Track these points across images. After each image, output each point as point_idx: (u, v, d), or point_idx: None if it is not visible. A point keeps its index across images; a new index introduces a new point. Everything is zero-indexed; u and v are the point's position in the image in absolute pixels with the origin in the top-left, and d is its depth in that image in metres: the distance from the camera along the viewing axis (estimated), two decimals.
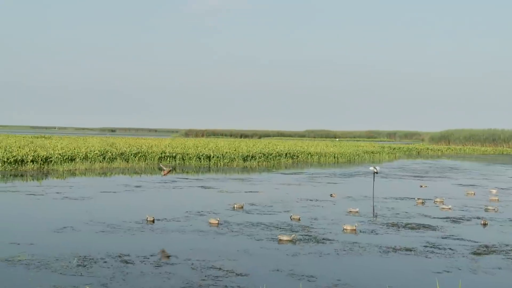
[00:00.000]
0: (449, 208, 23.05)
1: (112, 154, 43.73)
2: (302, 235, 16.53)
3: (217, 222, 18.13)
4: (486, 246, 15.44)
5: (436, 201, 25.35)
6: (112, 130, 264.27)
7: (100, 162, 41.80)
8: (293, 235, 15.74)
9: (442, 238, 16.64)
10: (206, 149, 54.48)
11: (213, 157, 48.19)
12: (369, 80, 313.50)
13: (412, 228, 18.14)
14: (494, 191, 30.15)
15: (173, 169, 25.59)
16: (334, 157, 59.59)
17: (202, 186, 30.30)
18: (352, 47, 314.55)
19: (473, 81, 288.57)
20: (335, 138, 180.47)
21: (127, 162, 43.75)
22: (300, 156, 57.13)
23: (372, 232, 17.40)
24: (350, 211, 21.60)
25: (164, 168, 21.80)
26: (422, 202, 24.89)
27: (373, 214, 21.43)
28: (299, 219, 19.31)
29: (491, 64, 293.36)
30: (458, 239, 16.55)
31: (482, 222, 19.36)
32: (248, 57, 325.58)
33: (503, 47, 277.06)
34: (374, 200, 25.45)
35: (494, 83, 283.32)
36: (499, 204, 25.20)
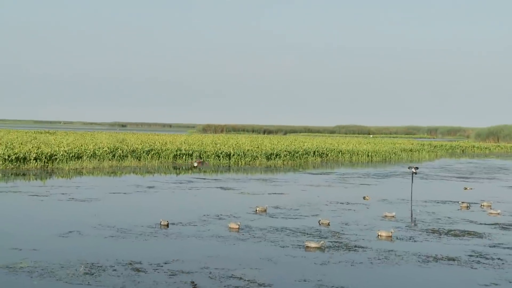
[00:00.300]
0: (498, 213, 22.73)
1: (122, 152, 44.11)
2: (331, 242, 16.46)
3: (237, 226, 18.15)
4: None
5: (483, 205, 25.04)
6: (123, 125, 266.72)
7: (110, 160, 42.20)
8: (321, 242, 15.68)
9: (490, 246, 16.42)
10: (226, 146, 54.57)
11: (234, 155, 48.27)
12: (408, 70, 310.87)
13: (456, 235, 17.94)
14: None
15: (204, 161, 25.44)
16: (368, 156, 59.21)
17: (221, 187, 30.39)
18: (387, 31, 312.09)
19: None
20: (369, 134, 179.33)
21: (139, 160, 44.08)
22: (329, 155, 56.92)
23: (410, 239, 17.25)
24: (386, 216, 21.45)
25: (196, 163, 21.92)
26: (467, 206, 24.60)
27: (411, 219, 21.23)
28: (328, 224, 19.24)
29: None
30: (508, 247, 16.31)
31: None
32: (272, 45, 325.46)
33: None
34: (413, 203, 25.22)
35: None
36: None
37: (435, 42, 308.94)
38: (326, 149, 58.62)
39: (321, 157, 55.92)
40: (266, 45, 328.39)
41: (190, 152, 47.63)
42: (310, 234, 17.60)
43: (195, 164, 21.25)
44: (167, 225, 18.27)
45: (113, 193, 26.65)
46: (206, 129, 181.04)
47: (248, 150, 50.89)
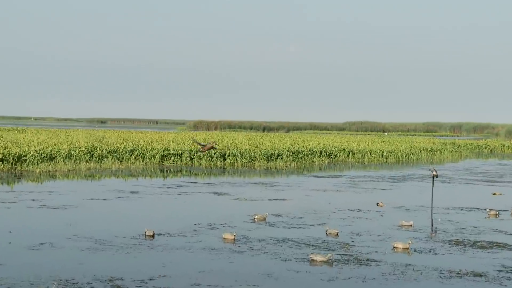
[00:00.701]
0: None
1: (101, 152, 44.12)
2: (340, 254, 16.47)
3: (233, 237, 18.16)
4: None
5: None
6: (102, 122, 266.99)
7: (87, 161, 42.20)
8: (329, 255, 15.69)
9: None
10: (220, 145, 54.55)
11: (229, 155, 48.31)
12: (428, 59, 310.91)
13: (482, 247, 17.95)
14: None
15: (214, 146, 24.61)
16: (382, 156, 59.24)
17: (214, 192, 30.41)
18: (405, 16, 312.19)
19: None
20: (384, 132, 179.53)
21: (121, 161, 44.08)
22: (338, 155, 56.96)
23: (430, 251, 17.26)
24: (402, 225, 21.47)
25: (202, 144, 20.98)
26: (496, 214, 24.62)
27: (432, 228, 21.26)
28: (336, 235, 19.25)
29: None
30: None
31: None
32: (269, 32, 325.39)
33: None
34: (433, 211, 25.24)
35: None
36: None
37: (459, 28, 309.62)
38: (335, 148, 58.66)
39: (329, 158, 55.95)
40: (267, 31, 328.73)
41: (179, 152, 47.65)
42: (316, 245, 17.60)
43: (202, 149, 20.21)
44: (153, 236, 18.26)
45: (91, 199, 26.64)
46: (197, 126, 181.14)
47: (245, 149, 50.93)
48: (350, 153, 58.16)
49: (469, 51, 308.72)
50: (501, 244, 18.45)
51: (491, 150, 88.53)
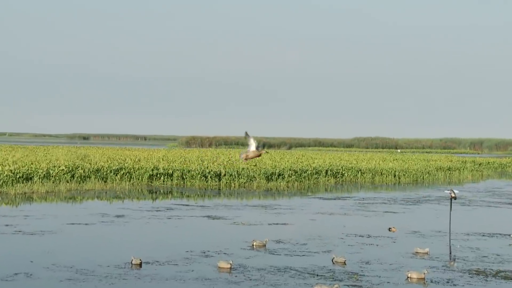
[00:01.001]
0: None
1: (84, 171, 44.12)
2: (348, 285, 16.45)
3: (229, 266, 18.15)
4: None
5: None
6: (85, 138, 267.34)
7: (67, 182, 42.19)
8: (335, 286, 15.66)
9: None
10: (215, 164, 54.59)
11: (225, 175, 48.33)
12: (446, 67, 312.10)
13: (507, 278, 17.95)
14: None
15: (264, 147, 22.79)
16: (395, 176, 59.26)
17: (208, 216, 30.39)
18: (419, 22, 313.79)
19: None
20: (396, 149, 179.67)
21: (105, 182, 44.06)
22: (346, 174, 57.00)
23: (448, 282, 17.25)
24: (417, 252, 21.47)
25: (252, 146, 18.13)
26: None
27: (450, 256, 21.25)
28: (344, 263, 19.24)
29: None
30: None
31: None
32: (273, 38, 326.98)
33: None
34: (451, 237, 25.23)
35: None
36: None
37: (482, 34, 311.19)
38: (342, 167, 58.69)
39: (335, 177, 55.97)
40: (266, 38, 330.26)
41: (170, 171, 47.65)
42: (321, 275, 17.58)
43: (245, 155, 18.41)
44: (140, 265, 18.24)
45: (72, 224, 26.61)
46: (190, 142, 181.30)
47: (243, 168, 50.95)
48: (359, 172, 58.18)
49: (490, 59, 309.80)
50: None
51: None
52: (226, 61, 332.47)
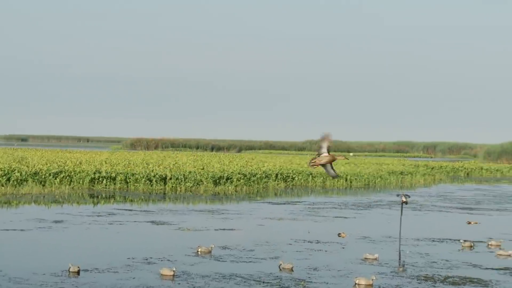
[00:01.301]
0: (509, 255, 23.24)
1: (20, 174, 43.49)
2: None
3: (172, 273, 18.09)
4: None
5: (491, 245, 25.56)
6: (23, 139, 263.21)
7: (3, 186, 41.55)
8: None
9: None
10: (161, 167, 54.37)
11: (171, 179, 48.15)
12: (398, 69, 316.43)
13: (455, 283, 18.27)
14: None
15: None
16: (346, 180, 59.76)
17: (152, 221, 30.25)
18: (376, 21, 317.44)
19: None
20: (349, 152, 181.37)
21: (43, 185, 43.48)
22: (296, 178, 57.27)
23: None
24: (366, 258, 21.70)
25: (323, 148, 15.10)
26: (471, 246, 25.09)
27: (399, 262, 21.56)
28: (291, 270, 19.34)
29: None
30: None
31: None
32: (229, 33, 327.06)
33: None
34: (401, 242, 25.57)
35: None
36: None
37: (436, 39, 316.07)
38: (293, 171, 58.98)
39: (286, 181, 56.20)
40: (211, 33, 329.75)
41: (113, 175, 47.28)
42: (268, 282, 17.65)
43: (316, 160, 15.68)
44: (78, 272, 18.06)
45: (6, 230, 26.23)
46: (135, 144, 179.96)
47: (190, 172, 50.85)
48: (310, 176, 58.50)
49: (446, 63, 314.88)
50: (475, 280, 18.80)
51: (467, 174, 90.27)
52: (173, 59, 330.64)
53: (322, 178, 58.76)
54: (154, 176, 48.06)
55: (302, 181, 57.38)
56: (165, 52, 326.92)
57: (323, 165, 14.14)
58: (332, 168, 14.05)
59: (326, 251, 23.36)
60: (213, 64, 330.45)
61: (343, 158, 15.16)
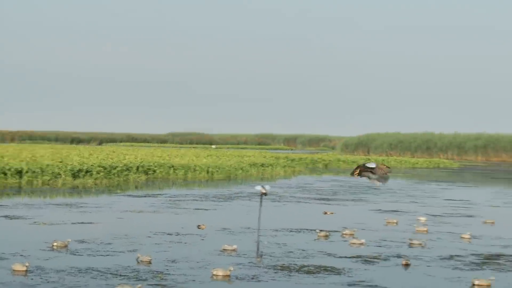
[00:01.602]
0: (361, 244, 24.13)
1: None
2: (152, 285, 16.53)
3: (24, 269, 17.61)
4: None
5: (345, 234, 26.41)
6: None
7: None
8: (138, 286, 15.68)
9: (349, 285, 17.41)
10: (17, 160, 52.73)
11: (27, 172, 46.78)
12: (260, 64, 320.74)
13: (309, 272, 18.77)
14: (423, 219, 31.99)
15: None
16: (208, 172, 60.17)
17: (6, 216, 29.31)
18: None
19: (403, 70, 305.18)
20: (211, 145, 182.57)
21: None
22: (157, 171, 57.07)
23: (252, 278, 17.80)
24: (225, 249, 21.93)
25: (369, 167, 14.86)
26: (326, 236, 25.85)
27: (257, 252, 21.89)
28: (149, 262, 19.29)
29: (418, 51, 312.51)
30: (369, 286, 17.40)
31: (403, 262, 20.48)
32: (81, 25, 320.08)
33: None
34: (260, 233, 25.96)
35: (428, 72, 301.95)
36: (428, 236, 26.82)
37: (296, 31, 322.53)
38: (154, 163, 58.72)
39: (147, 174, 55.90)
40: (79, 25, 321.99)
41: None
42: (125, 275, 17.52)
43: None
44: None
45: None
46: None
47: (47, 165, 49.57)
48: (172, 168, 58.48)
49: (303, 60, 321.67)
50: (329, 268, 19.41)
51: (326, 165, 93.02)
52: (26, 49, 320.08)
53: (183, 170, 58.85)
54: (8, 170, 46.51)
55: (163, 173, 57.26)
56: (17, 40, 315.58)
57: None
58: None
59: (185, 243, 23.42)
60: (73, 55, 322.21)
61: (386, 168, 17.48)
